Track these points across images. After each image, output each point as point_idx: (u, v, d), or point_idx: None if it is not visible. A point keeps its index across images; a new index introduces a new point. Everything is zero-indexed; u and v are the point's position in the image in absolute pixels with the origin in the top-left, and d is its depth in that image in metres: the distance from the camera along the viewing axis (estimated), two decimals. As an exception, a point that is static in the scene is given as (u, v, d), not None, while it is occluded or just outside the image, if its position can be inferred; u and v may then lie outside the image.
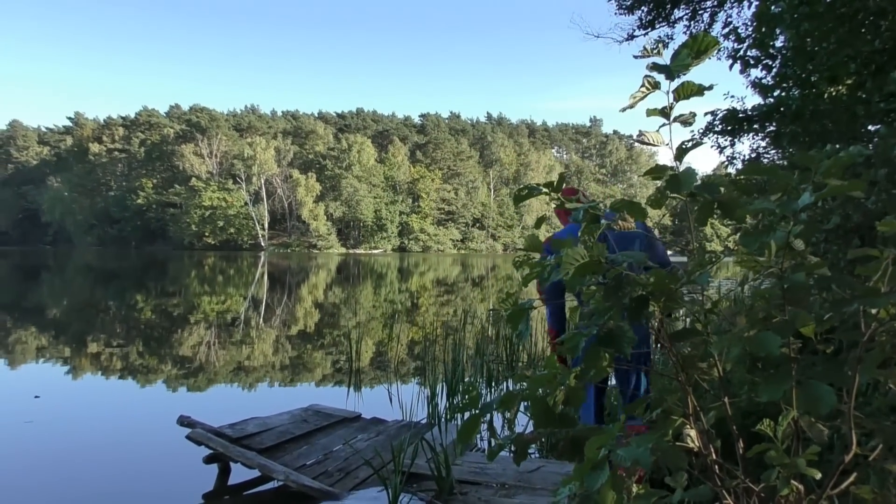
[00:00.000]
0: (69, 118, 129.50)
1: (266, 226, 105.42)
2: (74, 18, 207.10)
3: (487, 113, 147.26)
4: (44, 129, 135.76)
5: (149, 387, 9.50)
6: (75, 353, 12.08)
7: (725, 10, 12.94)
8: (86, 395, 8.93)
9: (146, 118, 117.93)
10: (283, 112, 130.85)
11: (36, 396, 8.28)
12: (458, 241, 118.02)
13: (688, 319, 1.85)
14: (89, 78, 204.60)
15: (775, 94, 8.26)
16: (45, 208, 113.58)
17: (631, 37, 14.47)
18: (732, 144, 9.58)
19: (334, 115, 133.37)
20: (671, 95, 1.62)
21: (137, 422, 7.51)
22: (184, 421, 5.55)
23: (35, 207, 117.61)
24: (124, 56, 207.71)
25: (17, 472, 5.80)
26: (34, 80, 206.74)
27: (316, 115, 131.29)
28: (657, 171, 1.66)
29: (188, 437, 5.30)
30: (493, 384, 8.61)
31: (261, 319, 17.34)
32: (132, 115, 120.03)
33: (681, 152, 1.66)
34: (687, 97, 1.61)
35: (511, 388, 8.15)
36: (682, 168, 1.65)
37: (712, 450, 1.67)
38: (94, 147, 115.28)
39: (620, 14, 14.19)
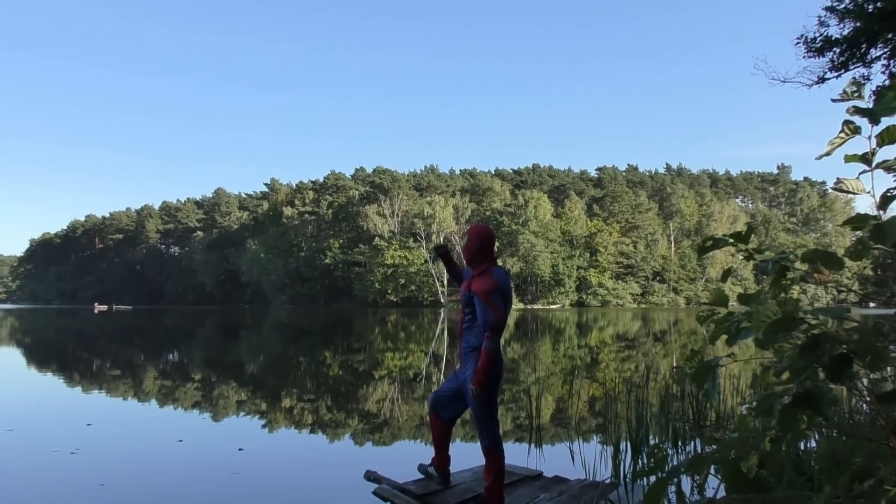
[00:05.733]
0: (265, 184, 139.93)
1: (445, 282, 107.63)
2: (269, 94, 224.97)
3: (666, 164, 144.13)
4: (244, 196, 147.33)
5: (337, 441, 9.85)
6: (271, 406, 12.73)
7: (929, 46, 12.08)
8: (281, 447, 9.36)
9: (333, 181, 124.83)
10: (460, 170, 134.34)
11: (240, 449, 8.79)
12: (637, 295, 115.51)
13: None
14: (283, 145, 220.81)
15: None
16: (244, 269, 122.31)
17: (822, 80, 13.73)
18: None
19: (510, 171, 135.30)
20: (874, 140, 1.52)
21: (327, 475, 7.79)
22: (370, 476, 5.71)
23: (235, 269, 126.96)
24: (314, 122, 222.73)
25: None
26: (235, 150, 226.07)
27: (492, 172, 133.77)
28: (858, 221, 1.55)
29: (374, 493, 5.45)
30: (680, 444, 8.24)
31: (441, 375, 17.59)
32: (321, 179, 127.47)
33: (885, 200, 1.54)
34: (892, 142, 1.50)
35: (699, 450, 7.79)
36: (886, 217, 1.53)
37: (934, 525, 1.51)
38: (287, 210, 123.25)
39: (809, 57, 13.58)
